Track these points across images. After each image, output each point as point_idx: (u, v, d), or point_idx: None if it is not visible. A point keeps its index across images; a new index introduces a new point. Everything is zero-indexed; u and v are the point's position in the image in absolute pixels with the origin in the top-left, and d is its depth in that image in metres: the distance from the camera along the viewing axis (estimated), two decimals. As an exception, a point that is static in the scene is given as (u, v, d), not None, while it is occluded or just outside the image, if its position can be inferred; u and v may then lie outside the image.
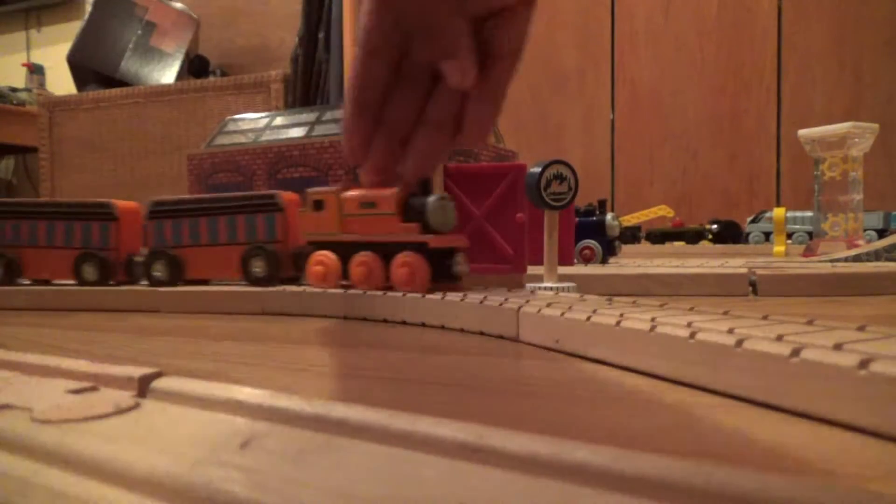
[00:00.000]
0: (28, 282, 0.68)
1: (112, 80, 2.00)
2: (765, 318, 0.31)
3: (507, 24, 0.41)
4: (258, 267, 0.60)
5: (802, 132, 0.97)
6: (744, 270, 0.67)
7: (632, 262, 0.86)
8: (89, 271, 0.63)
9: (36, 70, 2.80)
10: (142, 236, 0.65)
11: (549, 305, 0.40)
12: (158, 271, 0.63)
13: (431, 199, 0.47)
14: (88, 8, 2.14)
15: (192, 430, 0.17)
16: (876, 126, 0.94)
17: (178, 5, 2.16)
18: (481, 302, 0.45)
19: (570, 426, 0.24)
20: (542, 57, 1.26)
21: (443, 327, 0.48)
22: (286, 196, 0.61)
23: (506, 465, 0.14)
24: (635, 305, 0.39)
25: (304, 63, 1.59)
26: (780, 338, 0.26)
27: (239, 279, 0.62)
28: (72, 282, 0.66)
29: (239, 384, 0.20)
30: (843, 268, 0.71)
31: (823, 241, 1.00)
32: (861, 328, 0.27)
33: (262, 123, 0.85)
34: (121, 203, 0.64)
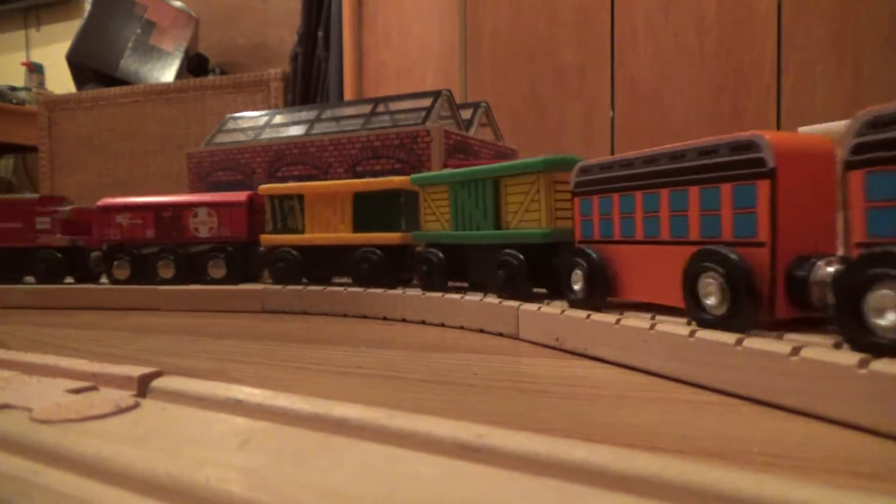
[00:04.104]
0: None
1: (111, 79, 2.00)
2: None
3: None
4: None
5: (802, 129, 0.97)
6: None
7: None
8: (715, 298, 0.28)
9: (35, 69, 2.80)
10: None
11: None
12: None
13: None
14: (88, 6, 2.14)
15: (191, 429, 0.17)
16: (876, 123, 0.93)
17: (178, 4, 2.15)
18: (481, 300, 0.45)
19: (570, 425, 0.24)
20: (541, 54, 1.26)
21: (443, 325, 0.48)
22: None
23: (505, 465, 0.14)
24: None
25: (303, 61, 1.59)
26: (780, 336, 0.26)
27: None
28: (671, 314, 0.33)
29: (238, 383, 0.20)
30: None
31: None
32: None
33: (261, 122, 0.85)
34: (775, 137, 0.27)
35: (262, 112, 0.89)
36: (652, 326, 0.31)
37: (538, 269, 0.43)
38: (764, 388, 0.25)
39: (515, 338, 0.42)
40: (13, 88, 2.64)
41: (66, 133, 1.96)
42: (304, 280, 0.60)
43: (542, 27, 1.25)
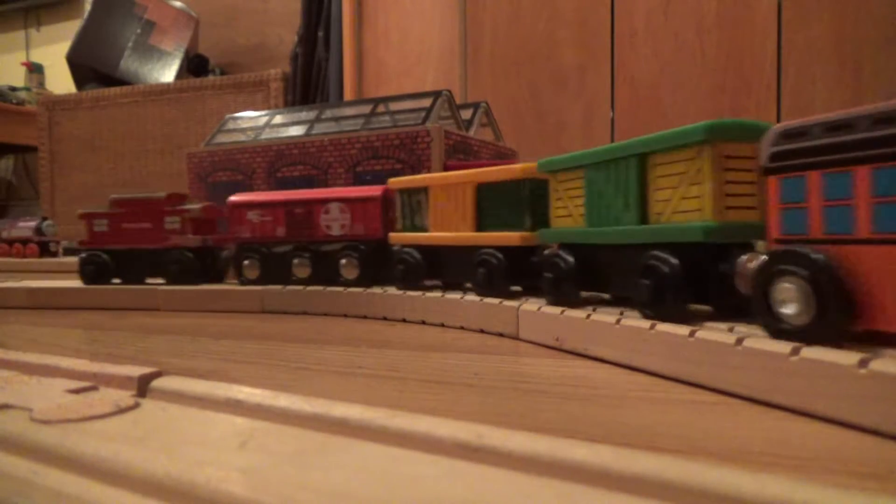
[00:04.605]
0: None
1: (112, 79, 2.00)
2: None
3: None
4: None
5: None
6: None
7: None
8: None
9: (35, 69, 2.80)
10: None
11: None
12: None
13: None
14: (88, 7, 2.14)
15: (191, 429, 0.17)
16: (876, 123, 0.93)
17: (178, 4, 2.15)
18: (481, 300, 0.45)
19: (570, 424, 0.24)
20: (541, 54, 1.26)
21: (443, 325, 0.48)
22: None
23: (505, 465, 0.14)
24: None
25: (303, 62, 1.59)
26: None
27: None
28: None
29: (238, 383, 0.20)
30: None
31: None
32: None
33: (261, 122, 0.85)
34: None
35: (262, 112, 0.89)
36: (652, 326, 0.31)
37: (699, 279, 0.31)
38: (764, 388, 0.25)
39: (515, 338, 0.42)
40: (13, 88, 2.64)
41: (66, 133, 1.96)
42: (427, 284, 0.53)
43: (542, 27, 1.25)
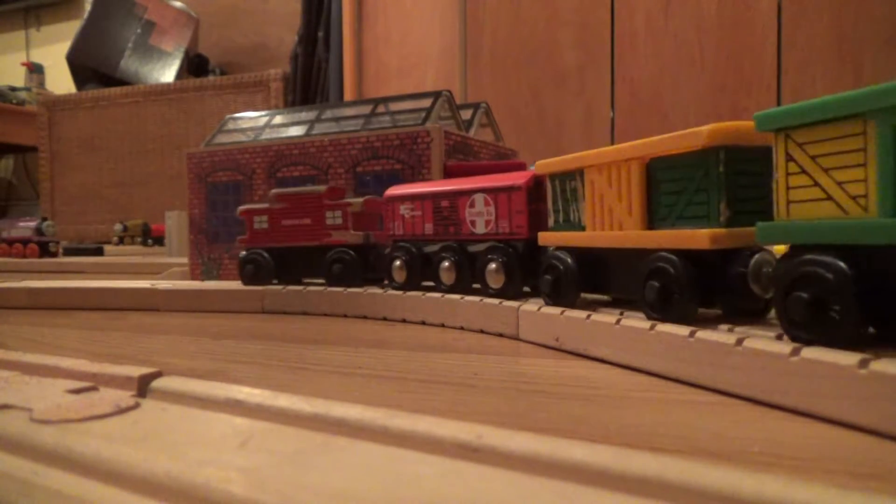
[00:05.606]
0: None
1: (111, 79, 2.00)
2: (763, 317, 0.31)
3: None
4: None
5: (802, 130, 0.97)
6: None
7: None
8: None
9: (35, 69, 2.81)
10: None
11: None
12: None
13: None
14: (88, 7, 2.15)
15: (191, 429, 0.17)
16: (876, 124, 0.93)
17: (178, 4, 2.15)
18: (481, 300, 0.45)
19: (570, 425, 0.24)
20: (541, 54, 1.26)
21: (443, 326, 0.48)
22: None
23: (505, 465, 0.14)
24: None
25: (303, 62, 1.59)
26: (780, 336, 0.26)
27: None
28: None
29: (238, 383, 0.20)
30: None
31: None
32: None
33: (261, 122, 0.85)
34: None
35: (262, 112, 0.89)
36: (652, 327, 0.31)
37: None
38: (764, 388, 0.25)
39: (515, 338, 0.42)
40: (13, 88, 2.64)
41: (65, 133, 1.97)
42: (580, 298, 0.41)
43: (542, 28, 1.25)
